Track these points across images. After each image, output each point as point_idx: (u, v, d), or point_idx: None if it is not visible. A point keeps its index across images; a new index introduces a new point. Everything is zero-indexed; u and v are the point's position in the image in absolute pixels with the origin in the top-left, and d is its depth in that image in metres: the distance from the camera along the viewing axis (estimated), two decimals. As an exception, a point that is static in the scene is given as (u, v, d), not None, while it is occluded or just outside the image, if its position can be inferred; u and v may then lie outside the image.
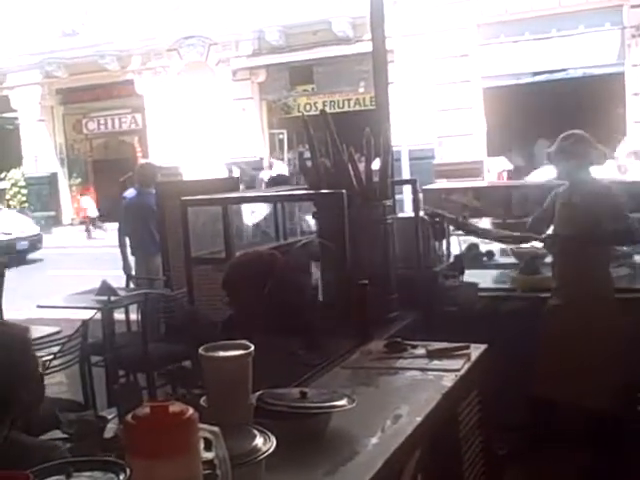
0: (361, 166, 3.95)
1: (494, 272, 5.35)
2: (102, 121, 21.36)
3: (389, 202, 3.97)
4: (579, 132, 4.29)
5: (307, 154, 4.23)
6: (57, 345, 4.34)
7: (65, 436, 2.21)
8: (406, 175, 13.93)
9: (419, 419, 2.40)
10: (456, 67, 15.80)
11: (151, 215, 7.01)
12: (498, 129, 15.96)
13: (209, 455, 1.69)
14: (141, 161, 9.75)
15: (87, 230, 19.44)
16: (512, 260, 5.26)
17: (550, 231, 4.45)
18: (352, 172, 3.83)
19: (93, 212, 19.81)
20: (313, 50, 17.25)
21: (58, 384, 5.21)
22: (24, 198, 21.72)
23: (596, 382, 4.04)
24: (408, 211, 5.12)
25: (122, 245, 7.55)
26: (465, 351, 3.01)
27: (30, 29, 19.41)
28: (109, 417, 2.34)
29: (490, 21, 15.61)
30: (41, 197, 21.16)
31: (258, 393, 2.20)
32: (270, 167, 16.99)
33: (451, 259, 4.77)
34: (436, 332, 3.66)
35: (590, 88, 14.63)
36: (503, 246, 5.33)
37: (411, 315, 3.97)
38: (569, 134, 4.27)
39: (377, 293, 3.47)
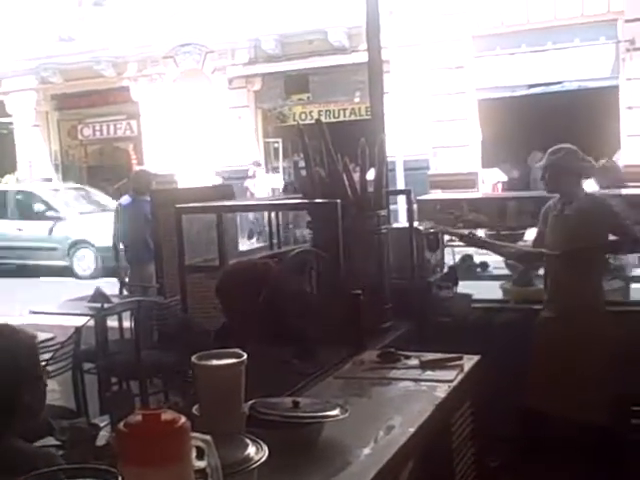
0: (356, 176, 3.95)
1: (488, 283, 5.36)
2: (97, 127, 21.34)
3: (383, 212, 3.98)
4: (568, 146, 4.31)
5: (302, 163, 4.23)
6: (50, 352, 4.32)
7: (57, 443, 2.21)
8: (401, 185, 13.94)
9: (412, 430, 2.40)
10: (451, 78, 15.85)
11: (145, 222, 7.00)
12: (493, 141, 16.01)
13: (201, 464, 1.68)
14: (136, 168, 9.74)
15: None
16: (506, 271, 5.28)
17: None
18: (347, 182, 3.84)
19: None
20: (309, 59, 17.30)
21: (50, 391, 5.17)
22: (18, 203, 21.65)
23: (588, 395, 4.04)
24: (402, 221, 5.13)
25: (116, 252, 7.55)
26: (458, 362, 3.01)
27: (26, 34, 19.39)
28: (101, 425, 2.34)
29: (486, 33, 15.68)
30: (35, 203, 21.09)
31: (251, 402, 2.19)
32: (253, 176, 16.90)
33: (445, 270, 4.78)
34: (429, 343, 3.67)
35: (585, 101, 14.69)
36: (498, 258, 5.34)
37: (405, 325, 3.97)
38: (558, 148, 4.29)
39: (371, 303, 3.47)
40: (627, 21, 14.60)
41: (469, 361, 3.04)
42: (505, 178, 16.43)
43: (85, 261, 13.69)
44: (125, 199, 7.84)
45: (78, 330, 4.58)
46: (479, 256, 5.60)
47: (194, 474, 1.62)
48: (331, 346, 3.19)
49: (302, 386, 2.75)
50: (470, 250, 5.45)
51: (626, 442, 4.27)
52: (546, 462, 4.12)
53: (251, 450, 1.89)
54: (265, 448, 1.90)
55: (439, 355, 3.08)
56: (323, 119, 16.46)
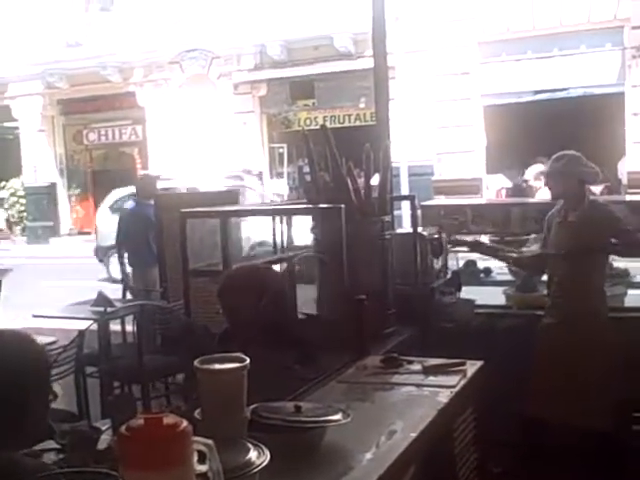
0: (360, 181, 3.96)
1: (491, 289, 5.36)
2: (102, 132, 21.40)
3: (387, 218, 3.98)
4: (571, 152, 4.31)
5: (307, 168, 4.23)
6: (52, 355, 4.32)
7: (58, 446, 2.21)
8: (405, 191, 13.96)
9: (414, 435, 2.39)
10: (457, 84, 15.86)
11: (149, 227, 7.02)
12: (497, 147, 16.00)
13: (203, 468, 1.68)
14: (140, 173, 9.76)
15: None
16: (509, 277, 5.27)
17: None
18: (351, 187, 3.84)
19: None
20: (314, 65, 17.32)
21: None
22: (22, 208, 21.73)
23: (589, 401, 4.04)
24: (406, 227, 5.13)
25: (120, 257, 7.56)
26: (461, 367, 3.01)
27: (33, 40, 19.47)
28: (103, 428, 2.33)
29: (492, 39, 15.68)
30: (40, 207, 21.15)
31: (253, 406, 2.19)
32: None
33: (448, 275, 4.78)
34: (432, 348, 3.67)
35: (590, 108, 14.68)
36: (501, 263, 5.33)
37: (408, 331, 3.97)
38: (561, 155, 4.29)
39: (374, 308, 3.47)
40: (634, 28, 14.59)
41: (472, 367, 3.03)
42: (509, 184, 16.41)
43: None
44: (129, 204, 7.86)
45: (81, 334, 4.58)
46: (482, 262, 5.59)
47: (196, 478, 1.62)
48: (334, 351, 3.19)
49: (304, 390, 2.75)
50: (473, 256, 5.45)
51: (628, 449, 4.26)
52: (548, 469, 4.11)
53: (253, 454, 1.89)
54: (267, 452, 1.90)
55: (442, 360, 3.08)
56: (328, 125, 16.45)
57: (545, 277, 4.66)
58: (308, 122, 18.18)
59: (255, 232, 7.03)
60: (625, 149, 15.06)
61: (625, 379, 4.05)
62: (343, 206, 3.39)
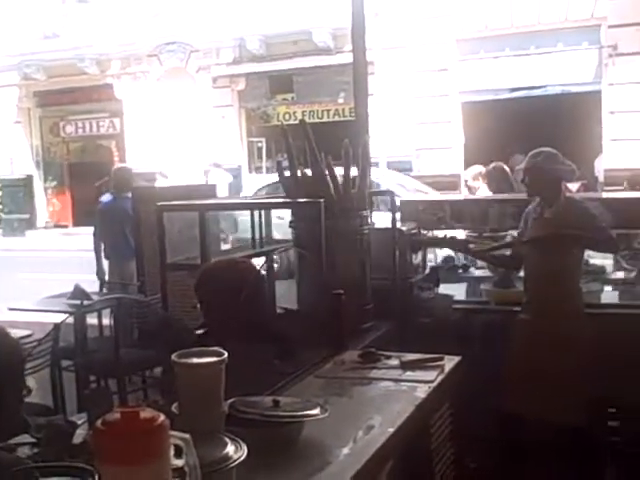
0: (339, 176, 3.95)
1: (469, 284, 5.38)
2: (80, 124, 21.22)
3: (366, 212, 3.98)
4: (548, 149, 4.33)
5: (286, 163, 4.22)
6: (27, 349, 4.28)
7: (33, 440, 2.18)
8: (384, 186, 13.96)
9: (391, 430, 2.39)
10: (435, 81, 15.90)
11: (127, 220, 6.96)
12: (476, 143, 16.07)
13: (179, 462, 1.67)
14: (117, 165, 9.67)
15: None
16: (487, 273, 5.30)
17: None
18: (330, 182, 3.84)
19: None
20: (293, 60, 17.29)
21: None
22: (-2, 200, 21.52)
23: (564, 397, 4.06)
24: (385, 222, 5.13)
25: (97, 250, 7.50)
26: (439, 362, 3.01)
27: (9, 31, 19.25)
28: (79, 422, 2.31)
29: (470, 36, 15.74)
30: (15, 199, 20.91)
31: (230, 401, 2.18)
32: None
33: (427, 271, 4.79)
34: (410, 343, 3.68)
35: (567, 105, 14.78)
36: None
37: (386, 326, 3.98)
38: (538, 151, 4.31)
39: (352, 303, 3.47)
40: (610, 27, 14.71)
41: (449, 362, 3.04)
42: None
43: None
44: (106, 197, 7.79)
45: (56, 327, 4.54)
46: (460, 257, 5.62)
47: (172, 473, 1.61)
48: (312, 345, 3.18)
49: (282, 385, 2.74)
50: (452, 251, 5.47)
51: (603, 444, 4.30)
52: (523, 464, 4.14)
53: (230, 449, 1.88)
54: (244, 447, 1.89)
55: (420, 355, 3.09)
56: (307, 119, 16.44)
57: (522, 273, 4.69)
58: (287, 117, 18.15)
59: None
60: (602, 147, 15.19)
61: (600, 375, 4.09)
62: (322, 200, 3.38)
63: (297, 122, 4.43)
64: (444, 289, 4.82)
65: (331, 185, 3.82)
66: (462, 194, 14.08)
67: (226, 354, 2.04)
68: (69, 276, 7.98)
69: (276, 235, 5.11)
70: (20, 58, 19.50)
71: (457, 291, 4.90)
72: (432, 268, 4.87)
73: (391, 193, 4.58)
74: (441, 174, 15.11)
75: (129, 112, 19.55)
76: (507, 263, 4.69)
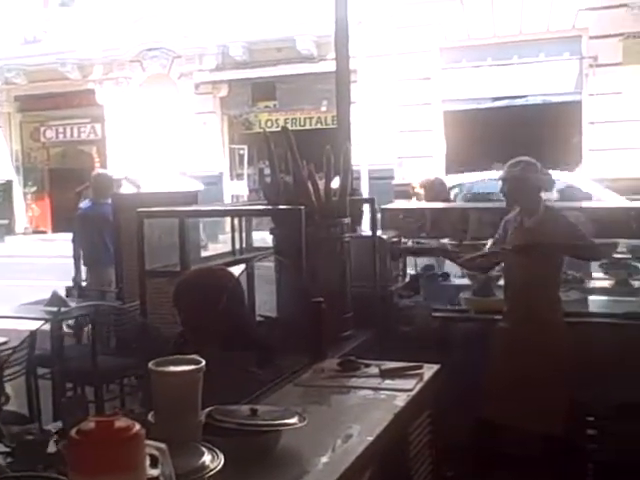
0: (321, 184, 3.95)
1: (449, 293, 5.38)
2: (60, 130, 21.09)
3: (347, 220, 3.97)
4: (527, 158, 4.35)
5: (267, 170, 4.21)
6: (3, 356, 4.24)
7: (7, 450, 2.15)
8: (366, 194, 13.98)
9: (370, 439, 2.38)
10: (418, 89, 15.97)
11: (106, 226, 6.92)
12: (457, 152, 16.15)
13: (155, 472, 1.65)
14: (96, 171, 9.60)
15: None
16: (466, 282, 5.30)
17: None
18: (311, 189, 3.83)
19: None
20: (276, 67, 17.29)
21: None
22: (-23, 205, 21.33)
23: (543, 406, 4.07)
24: (366, 230, 5.13)
25: (76, 256, 7.44)
26: (418, 371, 3.01)
27: (-10, 35, 19.14)
28: (54, 431, 2.28)
29: (453, 45, 15.83)
30: (-6, 204, 20.79)
31: (208, 409, 2.16)
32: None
33: (407, 279, 4.79)
34: (390, 351, 3.67)
35: (548, 115, 14.90)
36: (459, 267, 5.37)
37: (366, 334, 3.97)
38: (517, 161, 4.33)
39: (332, 311, 3.45)
40: (591, 38, 14.85)
41: (429, 370, 3.04)
42: (469, 189, 16.56)
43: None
44: (85, 203, 7.74)
45: (32, 334, 4.50)
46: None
47: (147, 482, 1.59)
48: (292, 353, 3.17)
49: (261, 394, 2.72)
50: (432, 260, 5.47)
51: (581, 452, 4.31)
52: (502, 472, 4.15)
53: (206, 458, 1.86)
54: (221, 456, 1.88)
55: (399, 364, 3.08)
56: (289, 127, 16.45)
57: (502, 282, 4.70)
58: (269, 124, 18.13)
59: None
60: (582, 157, 15.31)
61: (579, 383, 4.10)
62: (303, 208, 3.37)
63: (279, 129, 4.43)
64: (424, 297, 4.82)
65: (312, 192, 3.81)
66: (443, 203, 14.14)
67: (203, 362, 2.02)
68: (47, 283, 7.91)
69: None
70: (1, 62, 19.35)
71: (437, 299, 4.90)
72: (412, 276, 4.87)
73: (372, 200, 4.58)
74: (423, 182, 15.11)
75: (111, 118, 19.47)
76: (484, 268, 4.71)
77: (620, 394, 4.26)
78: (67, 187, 18.41)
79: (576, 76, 15.23)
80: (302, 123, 18.05)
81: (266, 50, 17.30)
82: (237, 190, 18.21)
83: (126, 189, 13.21)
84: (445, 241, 5.31)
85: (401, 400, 2.73)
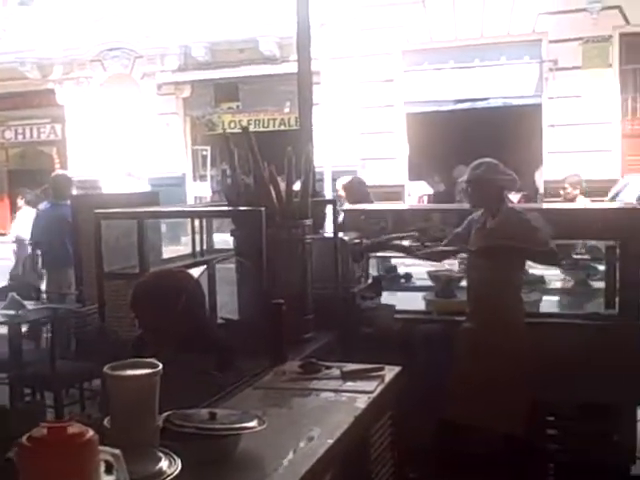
0: (282, 185, 3.93)
1: (411, 294, 5.40)
2: (20, 130, 20.75)
3: (309, 222, 3.96)
4: (489, 160, 4.39)
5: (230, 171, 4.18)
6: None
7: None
8: (329, 195, 13.99)
9: (331, 441, 2.37)
10: (381, 91, 16.02)
11: (65, 227, 6.82)
12: (420, 154, 16.25)
13: (109, 479, 1.62)
14: (56, 172, 9.47)
15: None
16: (429, 283, 5.32)
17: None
18: (273, 190, 3.80)
19: None
20: (239, 68, 17.21)
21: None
22: None
23: (504, 405, 4.10)
24: (328, 231, 5.12)
25: (34, 258, 7.33)
26: (379, 373, 3.00)
27: (-53, 32, 18.77)
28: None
29: (415, 48, 15.91)
30: (-49, 206, 20.39)
31: (166, 414, 2.13)
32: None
33: (369, 280, 4.79)
34: (352, 353, 3.66)
35: (509, 118, 15.06)
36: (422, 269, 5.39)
37: (327, 336, 3.95)
38: (480, 162, 4.36)
39: (293, 313, 3.43)
40: (551, 42, 15.03)
41: (390, 372, 3.03)
42: (431, 191, 16.69)
43: None
44: (44, 204, 7.63)
45: (-11, 338, 4.41)
46: (403, 267, 5.64)
47: (101, 489, 1.56)
48: (252, 356, 3.14)
49: (220, 397, 2.69)
50: (394, 261, 5.48)
51: (542, 452, 4.35)
52: (465, 473, 4.16)
53: (163, 464, 1.84)
54: (178, 461, 1.85)
55: (360, 366, 3.07)
56: (253, 128, 16.40)
57: (464, 283, 4.73)
58: (232, 125, 18.04)
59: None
60: (542, 159, 15.50)
61: (540, 384, 4.14)
62: (263, 209, 3.34)
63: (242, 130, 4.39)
64: (386, 299, 4.82)
65: (273, 194, 3.79)
66: (405, 204, 14.24)
67: (160, 366, 1.99)
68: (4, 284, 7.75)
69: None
70: (-42, 61, 19.02)
71: (399, 301, 4.91)
72: (374, 278, 4.87)
73: (333, 202, 4.57)
74: (386, 184, 15.21)
75: (71, 118, 19.21)
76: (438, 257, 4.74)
77: (581, 394, 4.31)
78: (27, 188, 18.12)
79: (536, 79, 15.41)
80: (265, 124, 18.00)
81: (229, 51, 17.23)
82: (200, 192, 18.10)
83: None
84: (406, 243, 5.32)
85: (362, 402, 2.72)
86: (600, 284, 5.11)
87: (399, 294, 5.37)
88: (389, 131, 16.16)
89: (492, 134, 14.38)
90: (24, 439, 1.51)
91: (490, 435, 4.16)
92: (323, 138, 12.89)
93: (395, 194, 14.98)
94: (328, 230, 4.98)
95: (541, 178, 15.51)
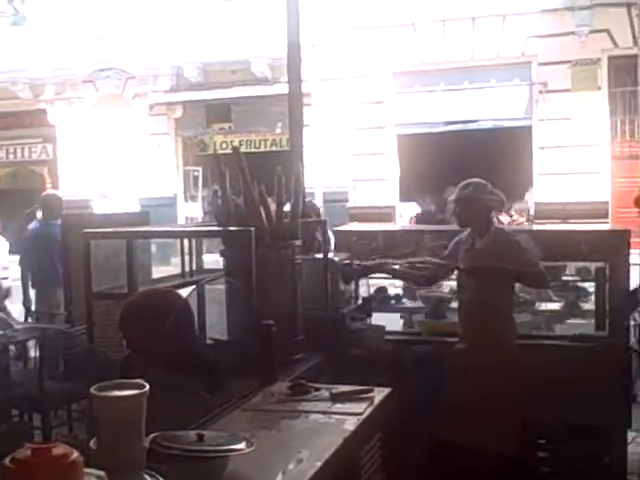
0: (272, 205, 3.92)
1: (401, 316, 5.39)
2: (11, 150, 20.72)
3: (298, 242, 3.95)
4: (477, 180, 4.40)
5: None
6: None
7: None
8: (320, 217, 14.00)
9: (319, 463, 2.35)
10: (371, 113, 16.10)
11: (55, 247, 6.80)
12: (411, 175, 16.30)
13: (94, 501, 1.60)
14: (46, 192, 9.45)
15: None
16: (419, 304, 5.31)
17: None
18: (263, 211, 3.80)
19: None
20: (231, 89, 17.29)
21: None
22: None
23: (495, 426, 4.09)
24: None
25: (24, 279, 7.29)
26: (369, 394, 2.99)
27: (-61, 52, 18.78)
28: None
29: (406, 70, 16.02)
30: (-59, 226, 20.26)
31: (153, 435, 2.11)
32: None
33: (359, 301, 4.78)
34: (342, 375, 3.64)
35: (499, 140, 15.14)
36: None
37: (317, 357, 3.93)
38: (468, 182, 4.38)
39: (283, 334, 3.42)
40: (540, 64, 15.16)
41: (379, 393, 3.02)
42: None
43: None
44: (34, 224, 7.60)
45: (-23, 358, 4.37)
46: (394, 288, 5.63)
47: (85, 512, 1.54)
48: (241, 377, 3.12)
49: (209, 419, 2.67)
50: (385, 282, 5.47)
51: (532, 474, 4.33)
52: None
53: (149, 486, 1.81)
54: (164, 484, 1.83)
55: (350, 387, 3.05)
56: (244, 149, 16.44)
57: (454, 304, 4.73)
58: (224, 146, 18.08)
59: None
60: (532, 181, 15.57)
61: (530, 405, 4.12)
62: (253, 229, 3.34)
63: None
64: (376, 320, 4.81)
65: (263, 214, 3.78)
66: (397, 225, 14.25)
67: (147, 387, 1.97)
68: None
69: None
70: (-50, 80, 19.02)
71: (389, 322, 4.89)
72: (364, 299, 4.86)
73: (324, 223, 4.57)
74: (377, 205, 15.25)
75: (63, 138, 19.22)
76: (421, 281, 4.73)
77: (571, 416, 4.30)
78: (17, 208, 18.06)
79: (526, 102, 15.52)
80: (257, 145, 18.04)
81: (221, 72, 17.30)
82: (191, 212, 18.10)
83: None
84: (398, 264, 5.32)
85: (351, 424, 2.70)
86: (590, 306, 5.11)
87: (389, 315, 5.35)
88: (380, 152, 16.23)
89: (483, 156, 14.44)
90: (7, 460, 1.49)
91: (481, 455, 4.14)
92: (314, 159, 12.95)
93: (386, 215, 15.02)
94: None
95: (531, 199, 15.57)
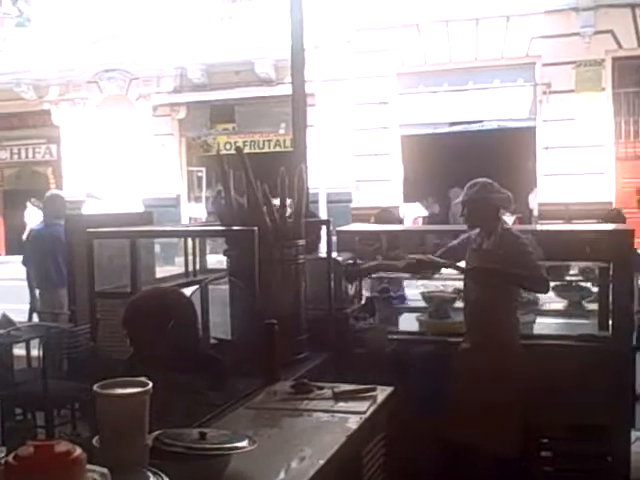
0: (275, 205, 3.93)
1: (405, 315, 5.39)
2: (15, 150, 20.78)
3: (302, 242, 3.96)
4: (483, 179, 4.39)
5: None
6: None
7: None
8: (323, 217, 14.01)
9: (322, 462, 2.35)
10: (375, 114, 16.10)
11: (58, 247, 6.80)
12: (414, 176, 16.31)
13: (97, 498, 1.60)
14: (50, 192, 9.46)
15: None
16: (423, 304, 5.31)
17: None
18: (265, 211, 3.81)
19: None
20: (235, 90, 17.31)
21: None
22: None
23: (499, 426, 4.08)
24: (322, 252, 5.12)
25: (29, 278, 7.30)
26: (371, 393, 2.99)
27: (-56, 53, 18.84)
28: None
29: (410, 71, 16.02)
30: (-54, 226, 20.36)
31: (156, 433, 2.12)
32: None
33: (362, 301, 4.78)
34: (345, 374, 3.65)
35: (503, 140, 15.14)
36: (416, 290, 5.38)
37: (320, 356, 3.94)
38: (474, 182, 4.37)
39: (286, 333, 3.42)
40: (544, 65, 15.16)
41: (382, 392, 3.02)
42: (426, 213, 16.73)
43: None
44: (38, 224, 7.62)
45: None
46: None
47: (88, 509, 1.54)
48: (244, 376, 3.13)
49: (211, 417, 2.68)
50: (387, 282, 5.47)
51: (536, 474, 4.33)
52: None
53: (151, 483, 1.82)
54: (166, 481, 1.83)
55: (352, 386, 3.06)
56: (248, 150, 16.47)
57: (458, 304, 4.72)
58: (228, 146, 18.08)
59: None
60: (536, 181, 15.56)
61: (534, 405, 4.12)
62: (256, 229, 3.34)
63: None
64: (380, 320, 4.81)
65: (266, 214, 3.79)
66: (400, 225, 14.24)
67: (150, 385, 1.98)
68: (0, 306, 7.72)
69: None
70: (-45, 82, 19.07)
71: (393, 322, 4.89)
72: (368, 298, 4.86)
73: (327, 222, 4.57)
74: (380, 206, 15.22)
75: (66, 139, 19.26)
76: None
77: (574, 416, 4.29)
78: (21, 209, 18.14)
79: (530, 102, 15.51)
80: (261, 146, 18.06)
81: (225, 73, 17.33)
82: (195, 213, 18.13)
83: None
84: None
85: (354, 422, 2.70)
86: (594, 306, 5.10)
87: (393, 314, 5.34)
88: (384, 153, 16.23)
89: (486, 156, 14.45)
90: (10, 457, 1.49)
91: (484, 456, 4.14)
92: (318, 160, 12.94)
93: (390, 216, 14.95)
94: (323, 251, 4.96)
95: (535, 200, 15.56)
